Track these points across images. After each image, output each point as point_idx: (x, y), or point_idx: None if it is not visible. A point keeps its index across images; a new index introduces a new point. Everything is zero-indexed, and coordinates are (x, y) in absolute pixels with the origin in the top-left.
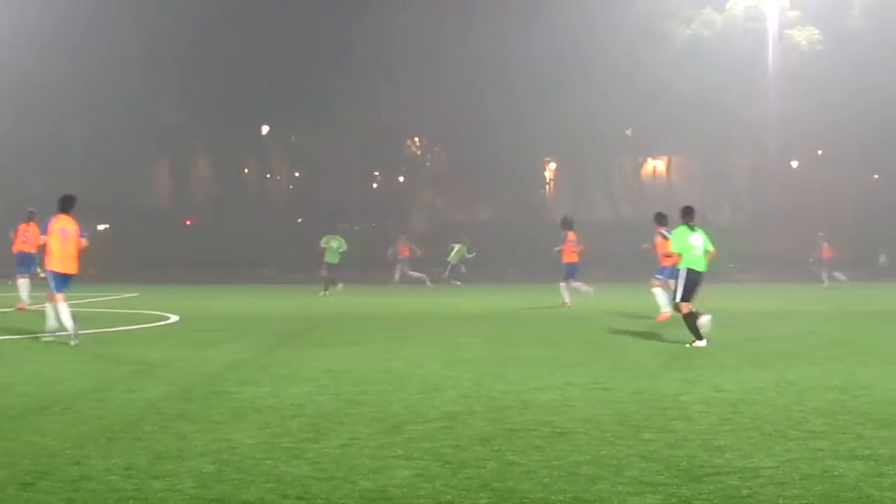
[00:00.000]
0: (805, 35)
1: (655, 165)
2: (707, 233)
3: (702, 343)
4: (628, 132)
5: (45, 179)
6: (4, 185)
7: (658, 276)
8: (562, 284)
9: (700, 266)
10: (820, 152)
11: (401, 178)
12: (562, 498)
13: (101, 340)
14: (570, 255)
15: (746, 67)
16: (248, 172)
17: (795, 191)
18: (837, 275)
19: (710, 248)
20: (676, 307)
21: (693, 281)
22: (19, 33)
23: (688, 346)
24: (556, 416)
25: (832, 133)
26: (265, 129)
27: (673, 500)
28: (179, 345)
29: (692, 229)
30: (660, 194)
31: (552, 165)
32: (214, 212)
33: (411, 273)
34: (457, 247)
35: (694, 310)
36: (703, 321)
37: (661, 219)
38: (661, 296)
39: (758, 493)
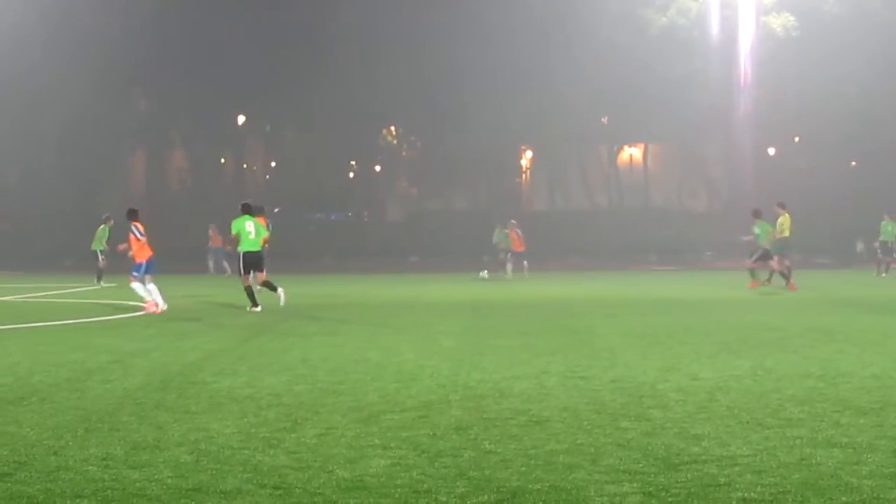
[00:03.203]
0: (781, 22)
1: (632, 153)
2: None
3: (257, 309)
4: (605, 120)
5: (20, 169)
6: None
7: (133, 274)
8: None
9: (254, 247)
10: (797, 139)
11: (377, 168)
12: (539, 486)
13: (78, 331)
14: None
15: (722, 55)
16: (225, 162)
17: (772, 178)
18: (509, 268)
19: (264, 233)
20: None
21: (248, 260)
22: None
23: (248, 309)
24: (533, 404)
25: (809, 120)
26: (241, 119)
27: (650, 489)
28: (156, 335)
29: (250, 217)
30: (636, 182)
31: (528, 154)
32: (190, 202)
33: (224, 264)
34: None
35: (252, 285)
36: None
37: (131, 214)
38: (139, 290)
39: (735, 482)
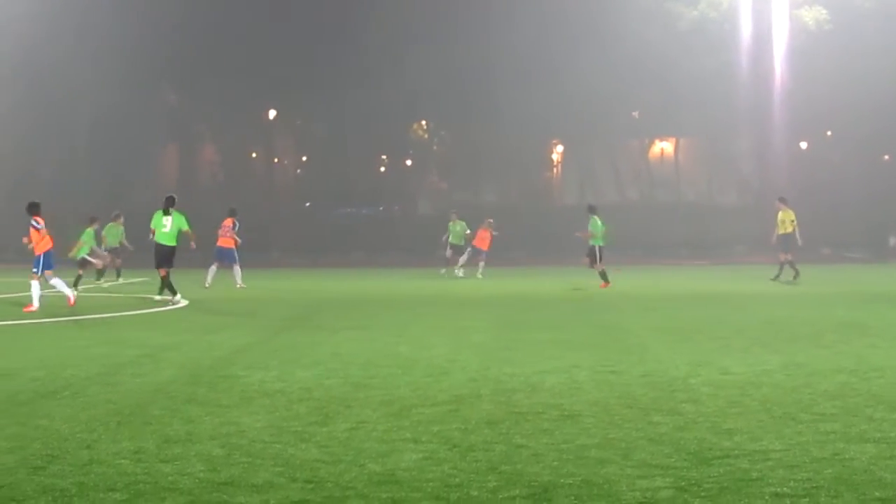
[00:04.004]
0: (813, 15)
1: (663, 147)
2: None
3: (177, 298)
4: (636, 114)
5: (52, 164)
6: (14, 166)
7: (33, 270)
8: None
9: (166, 241)
10: (829, 133)
11: (408, 162)
12: (570, 481)
13: (109, 325)
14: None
15: (753, 48)
16: (255, 157)
17: (804, 172)
18: (480, 268)
19: (185, 227)
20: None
21: (158, 251)
22: (26, 17)
23: (169, 302)
24: (564, 399)
25: (841, 114)
26: (272, 114)
27: (682, 483)
28: (188, 329)
29: (167, 213)
30: (667, 176)
31: (559, 148)
32: (221, 197)
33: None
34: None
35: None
36: (165, 299)
37: (32, 208)
38: (35, 289)
39: (767, 476)
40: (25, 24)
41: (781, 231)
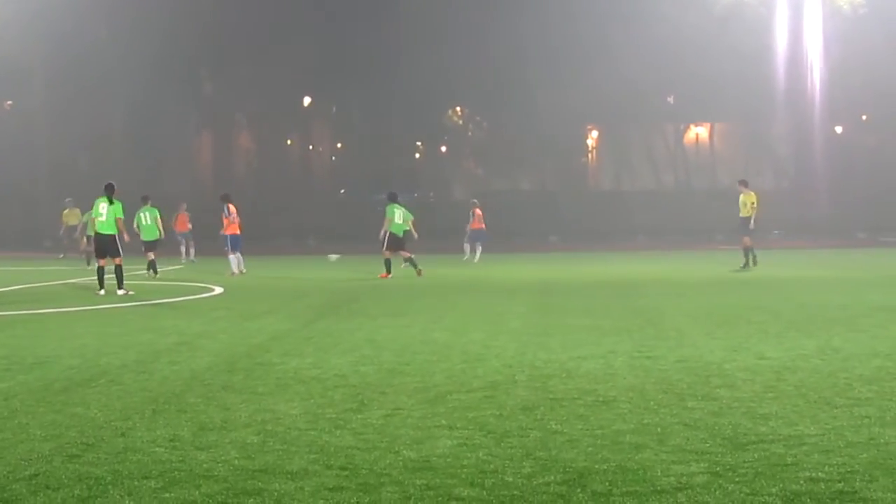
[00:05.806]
0: None
1: (698, 132)
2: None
3: (101, 292)
4: (670, 99)
5: (90, 154)
6: (52, 154)
7: None
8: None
9: (104, 230)
10: (864, 117)
11: (443, 148)
12: (605, 467)
13: (145, 313)
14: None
15: (789, 33)
16: (291, 144)
17: (839, 156)
18: (472, 248)
19: (119, 216)
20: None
21: (96, 242)
22: (60, 4)
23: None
24: (600, 384)
25: (876, 98)
26: (307, 101)
27: (717, 469)
28: (223, 316)
29: (109, 202)
30: (703, 161)
31: (594, 133)
32: (257, 184)
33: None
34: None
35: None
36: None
37: None
38: None
39: (803, 461)
40: (59, 11)
41: (743, 214)
